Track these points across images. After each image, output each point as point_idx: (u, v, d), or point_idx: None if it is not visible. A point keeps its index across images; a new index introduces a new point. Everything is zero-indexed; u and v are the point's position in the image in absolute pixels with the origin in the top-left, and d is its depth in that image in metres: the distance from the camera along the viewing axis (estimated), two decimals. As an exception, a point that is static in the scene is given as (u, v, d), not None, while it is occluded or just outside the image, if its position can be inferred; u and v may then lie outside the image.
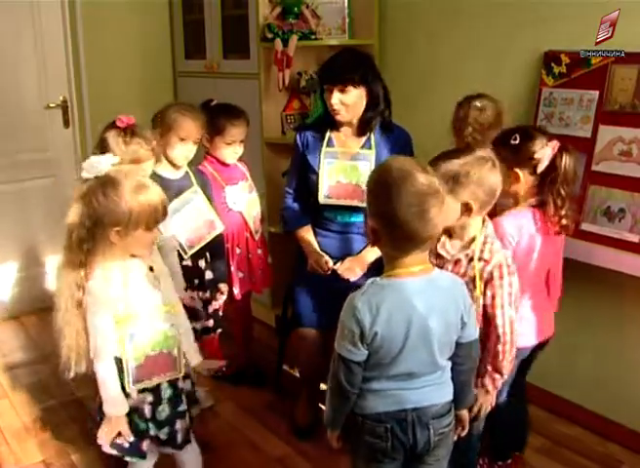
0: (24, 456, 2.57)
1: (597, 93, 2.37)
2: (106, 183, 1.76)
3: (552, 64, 2.51)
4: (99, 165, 1.76)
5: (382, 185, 1.51)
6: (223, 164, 2.77)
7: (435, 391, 1.63)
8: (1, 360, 3.34)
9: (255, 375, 3.03)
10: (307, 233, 2.58)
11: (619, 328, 2.53)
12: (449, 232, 1.86)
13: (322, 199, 2.50)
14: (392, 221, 1.48)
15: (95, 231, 1.77)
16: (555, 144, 1.98)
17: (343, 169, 2.46)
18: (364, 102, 2.42)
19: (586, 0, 2.38)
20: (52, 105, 3.73)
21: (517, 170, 1.97)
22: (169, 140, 2.45)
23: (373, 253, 2.39)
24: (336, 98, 2.37)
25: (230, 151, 2.74)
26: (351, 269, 2.42)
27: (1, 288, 3.77)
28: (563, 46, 2.47)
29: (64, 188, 3.61)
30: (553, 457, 2.51)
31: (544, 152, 1.96)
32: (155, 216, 1.82)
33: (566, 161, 1.97)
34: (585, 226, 2.40)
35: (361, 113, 2.44)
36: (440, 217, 1.50)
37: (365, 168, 2.44)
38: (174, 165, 2.51)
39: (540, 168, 1.97)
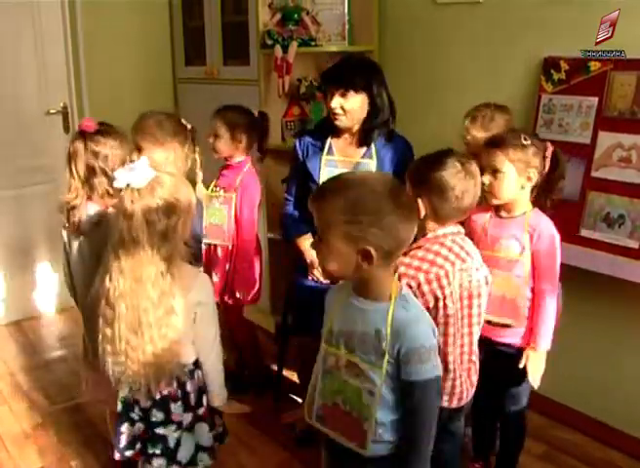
0: (24, 463, 2.56)
1: (596, 99, 2.38)
2: (161, 182, 1.71)
3: (552, 71, 2.51)
4: (144, 171, 1.70)
5: (362, 201, 1.45)
6: (224, 167, 2.83)
7: None
8: (1, 365, 3.34)
9: (255, 385, 3.02)
10: (307, 241, 2.57)
11: (618, 334, 2.53)
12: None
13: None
14: (385, 231, 1.45)
15: (167, 231, 1.71)
16: (551, 146, 2.03)
17: None
18: (365, 110, 2.39)
19: (586, 6, 2.39)
20: (52, 111, 3.74)
21: (531, 170, 1.99)
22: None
23: None
24: (336, 102, 2.35)
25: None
26: None
27: (1, 293, 3.78)
28: (563, 52, 2.47)
29: (64, 194, 3.61)
30: (553, 463, 2.51)
31: (549, 151, 2.01)
32: (192, 197, 1.83)
33: (563, 164, 2.04)
34: (585, 232, 2.40)
35: (361, 121, 2.42)
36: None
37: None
38: None
39: (547, 167, 2.02)
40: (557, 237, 2.02)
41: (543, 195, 2.06)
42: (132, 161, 1.83)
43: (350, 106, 2.36)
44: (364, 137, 2.45)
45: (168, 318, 1.70)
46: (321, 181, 2.47)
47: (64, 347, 3.51)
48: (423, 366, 1.46)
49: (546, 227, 2.02)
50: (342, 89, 2.33)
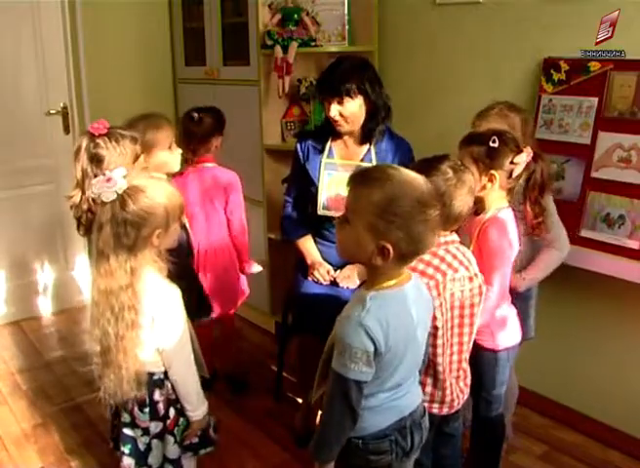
0: (23, 463, 2.56)
1: (596, 99, 2.38)
2: (133, 194, 1.68)
3: (552, 71, 2.51)
4: (115, 183, 1.67)
5: (394, 199, 1.43)
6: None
7: (417, 391, 1.68)
8: (1, 365, 3.34)
9: (234, 383, 3.03)
10: (307, 242, 2.57)
11: (619, 334, 2.53)
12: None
13: (320, 211, 2.50)
14: (408, 234, 1.42)
15: (135, 244, 1.69)
16: (530, 151, 1.97)
17: (343, 181, 2.44)
18: (364, 112, 2.39)
19: (586, 6, 2.39)
20: (52, 112, 3.74)
21: (494, 172, 1.95)
22: (156, 155, 2.36)
23: None
24: (334, 111, 2.34)
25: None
26: (350, 277, 2.42)
27: (1, 293, 3.78)
28: (563, 52, 2.48)
29: (64, 194, 3.61)
30: (554, 464, 2.51)
31: (522, 157, 1.96)
32: (181, 206, 1.81)
33: (543, 168, 1.99)
34: (585, 233, 2.40)
35: (362, 122, 2.42)
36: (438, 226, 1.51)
37: None
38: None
39: (516, 172, 1.97)
40: (496, 242, 1.93)
41: (528, 200, 2.03)
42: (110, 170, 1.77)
43: (349, 112, 2.35)
44: (365, 137, 2.45)
45: (128, 332, 1.69)
46: (320, 185, 2.48)
47: (64, 347, 3.51)
48: (337, 357, 1.49)
49: (490, 227, 1.94)
50: (338, 97, 2.33)
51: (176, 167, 2.47)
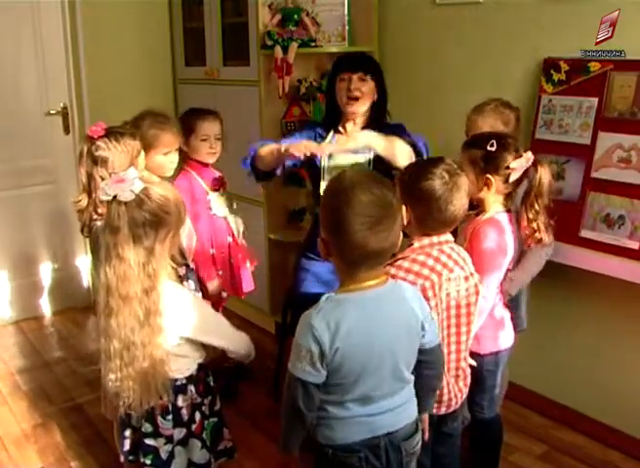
0: (23, 463, 2.56)
1: (596, 100, 2.38)
2: (150, 194, 1.65)
3: (552, 71, 2.51)
4: (132, 183, 1.64)
5: (333, 193, 1.48)
6: (204, 166, 2.76)
7: (403, 412, 1.60)
8: (1, 365, 3.34)
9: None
10: (269, 145, 2.49)
11: (618, 334, 2.53)
12: None
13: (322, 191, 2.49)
14: (340, 231, 1.42)
15: (154, 246, 1.67)
16: (530, 156, 1.95)
17: (343, 165, 2.45)
18: (374, 97, 2.46)
19: (586, 6, 2.39)
20: (52, 112, 3.74)
21: (490, 176, 1.94)
22: (151, 157, 2.33)
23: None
24: (355, 84, 2.40)
25: (206, 147, 2.71)
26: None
27: (1, 293, 3.78)
28: (563, 52, 2.48)
29: (64, 194, 3.62)
30: (554, 464, 2.51)
31: (520, 162, 1.93)
32: (185, 208, 1.80)
33: (541, 175, 1.95)
34: (585, 233, 2.40)
35: (368, 108, 2.46)
36: (393, 231, 1.46)
37: (364, 159, 2.40)
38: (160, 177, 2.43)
39: (513, 177, 1.94)
40: (487, 244, 1.91)
41: (523, 205, 2.00)
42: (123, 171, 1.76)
43: (367, 90, 2.43)
44: (367, 125, 2.47)
45: (153, 337, 1.66)
46: (322, 166, 2.47)
47: (64, 347, 3.52)
48: (291, 354, 1.50)
49: (483, 229, 1.93)
50: (362, 72, 2.41)
51: (168, 172, 2.46)
